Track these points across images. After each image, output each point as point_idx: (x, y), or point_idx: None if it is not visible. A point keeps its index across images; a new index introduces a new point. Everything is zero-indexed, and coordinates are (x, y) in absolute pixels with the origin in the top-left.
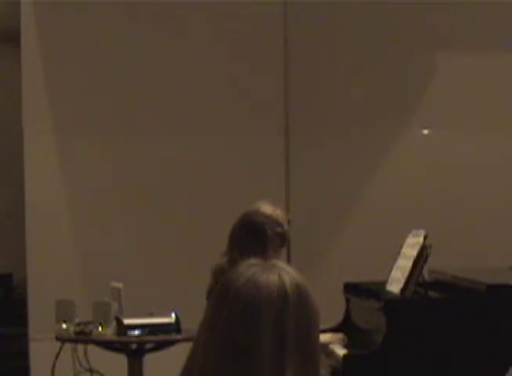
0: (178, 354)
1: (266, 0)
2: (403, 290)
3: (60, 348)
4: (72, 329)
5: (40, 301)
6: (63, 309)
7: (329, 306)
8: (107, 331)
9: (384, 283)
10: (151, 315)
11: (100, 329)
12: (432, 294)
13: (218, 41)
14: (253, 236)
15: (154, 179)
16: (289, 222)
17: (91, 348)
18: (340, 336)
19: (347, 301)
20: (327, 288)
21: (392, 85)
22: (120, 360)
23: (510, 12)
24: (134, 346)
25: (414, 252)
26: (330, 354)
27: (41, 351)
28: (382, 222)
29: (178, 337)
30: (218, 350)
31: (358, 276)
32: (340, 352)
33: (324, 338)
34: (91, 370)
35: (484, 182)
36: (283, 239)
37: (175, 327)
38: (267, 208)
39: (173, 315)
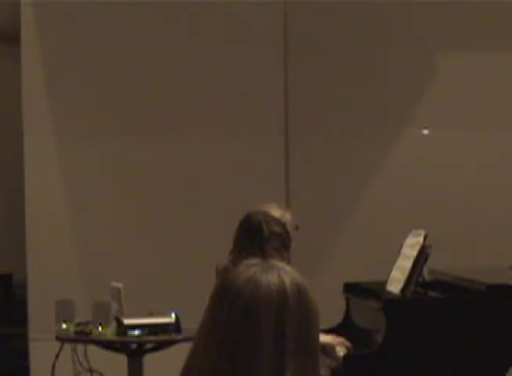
0: (178, 354)
1: (266, 0)
2: (403, 290)
3: (60, 348)
4: (72, 329)
5: (40, 301)
6: (63, 309)
7: (329, 306)
8: (107, 331)
9: (384, 283)
10: (151, 315)
11: (100, 329)
12: (432, 294)
13: (218, 41)
14: (249, 235)
15: (154, 179)
16: (297, 227)
17: (91, 348)
18: (342, 340)
19: (347, 301)
20: (327, 288)
21: (392, 85)
22: (120, 360)
23: (510, 12)
24: (134, 346)
25: (414, 252)
26: (330, 354)
27: (41, 351)
28: (382, 222)
29: (178, 337)
30: (218, 350)
31: (358, 276)
32: (340, 352)
33: (326, 339)
34: (91, 370)
35: (485, 182)
36: (282, 239)
37: (175, 327)
38: (272, 210)
39: (173, 315)
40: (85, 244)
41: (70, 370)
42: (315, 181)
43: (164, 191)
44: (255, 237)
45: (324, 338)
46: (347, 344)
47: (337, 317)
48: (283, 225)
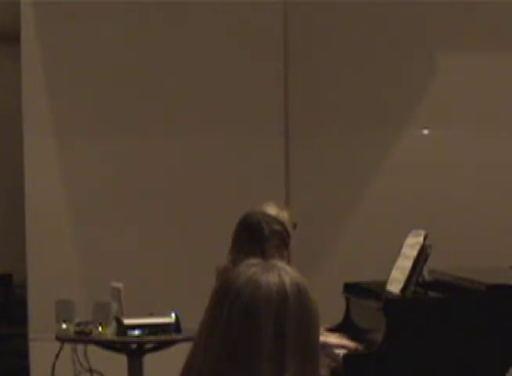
0: (178, 354)
1: (266, 0)
2: (403, 290)
3: (60, 348)
4: (72, 329)
5: (40, 301)
6: (63, 309)
7: (329, 306)
8: (107, 331)
9: (384, 283)
10: (151, 315)
11: (100, 329)
12: (432, 294)
13: (218, 41)
14: (249, 235)
15: (154, 179)
16: (295, 226)
17: (91, 348)
18: (353, 344)
19: (347, 301)
20: (327, 288)
21: (392, 85)
22: (120, 360)
23: (510, 12)
24: (134, 346)
25: (414, 252)
26: (330, 354)
27: (41, 351)
28: (382, 222)
29: (178, 337)
30: (218, 350)
31: (358, 276)
32: (340, 352)
33: (331, 340)
34: (91, 370)
35: (484, 182)
36: (282, 237)
37: (175, 327)
38: (269, 209)
39: (173, 315)
40: (85, 244)
41: (70, 370)
42: (315, 181)
43: (164, 191)
44: (255, 237)
45: (329, 339)
46: (351, 346)
47: (337, 317)
48: (282, 223)
